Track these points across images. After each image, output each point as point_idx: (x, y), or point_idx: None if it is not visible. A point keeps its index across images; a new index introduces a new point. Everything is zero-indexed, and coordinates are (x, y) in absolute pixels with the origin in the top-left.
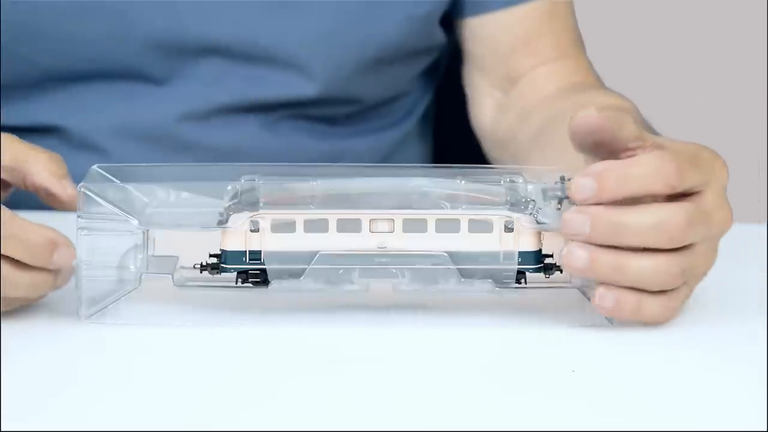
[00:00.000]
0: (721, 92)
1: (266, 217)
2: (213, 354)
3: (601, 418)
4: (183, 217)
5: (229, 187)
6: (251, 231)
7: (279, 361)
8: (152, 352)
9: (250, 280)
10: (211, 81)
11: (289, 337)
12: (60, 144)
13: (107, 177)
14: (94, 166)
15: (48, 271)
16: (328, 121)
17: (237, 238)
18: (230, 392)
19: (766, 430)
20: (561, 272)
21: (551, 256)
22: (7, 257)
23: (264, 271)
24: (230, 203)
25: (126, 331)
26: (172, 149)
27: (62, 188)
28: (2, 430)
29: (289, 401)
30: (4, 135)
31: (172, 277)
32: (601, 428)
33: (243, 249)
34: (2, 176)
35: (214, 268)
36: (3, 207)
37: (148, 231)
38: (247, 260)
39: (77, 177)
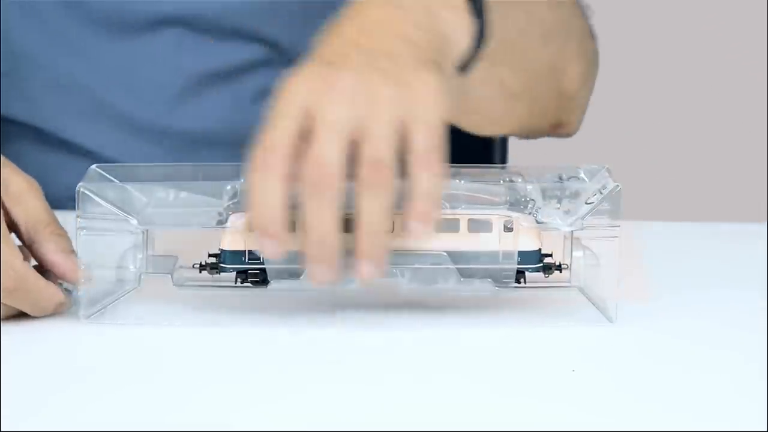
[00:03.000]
0: (721, 92)
1: None
2: (213, 354)
3: (601, 419)
4: (182, 217)
5: (228, 187)
6: (250, 231)
7: (278, 361)
8: (152, 352)
9: (249, 279)
10: (171, 54)
11: (288, 337)
12: (34, 141)
13: (106, 176)
14: (93, 166)
15: None
16: None
17: (236, 237)
18: (230, 392)
19: (766, 430)
20: (560, 271)
21: (551, 255)
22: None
23: (263, 270)
24: (229, 203)
25: (126, 331)
26: (140, 135)
27: (71, 264)
28: (2, 430)
29: (289, 401)
30: (32, 184)
31: (172, 277)
32: (601, 428)
33: (242, 249)
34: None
35: (214, 268)
36: (23, 261)
37: (147, 231)
38: (247, 260)
39: (52, 169)
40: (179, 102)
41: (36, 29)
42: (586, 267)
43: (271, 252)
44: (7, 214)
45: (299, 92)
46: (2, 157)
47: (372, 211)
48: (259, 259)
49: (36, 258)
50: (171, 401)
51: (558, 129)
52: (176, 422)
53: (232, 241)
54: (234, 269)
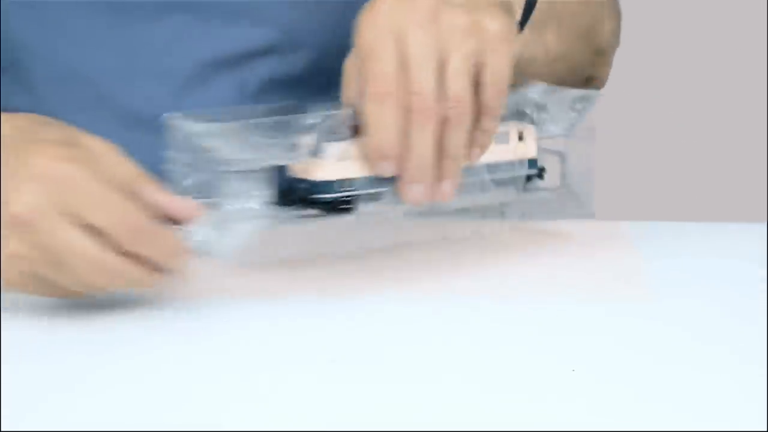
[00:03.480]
0: (721, 92)
1: (354, 146)
2: (216, 354)
3: (599, 418)
4: (280, 154)
5: (311, 120)
6: (341, 160)
7: (281, 360)
8: (150, 351)
9: (336, 207)
10: (176, 41)
11: (290, 337)
12: None
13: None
14: (170, 114)
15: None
16: (313, 88)
17: (332, 167)
18: (232, 392)
19: (766, 430)
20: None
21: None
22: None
23: (350, 200)
24: (319, 134)
25: (124, 330)
26: (144, 127)
27: (182, 202)
28: (2, 430)
29: (291, 401)
30: (111, 144)
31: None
32: (599, 428)
33: (335, 179)
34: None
35: (304, 201)
36: (138, 210)
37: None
38: (338, 189)
39: None
40: (184, 92)
41: (36, 20)
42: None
43: (389, 173)
44: (108, 173)
45: (385, 18)
46: (72, 127)
47: (455, 142)
48: (348, 187)
49: (144, 211)
50: (170, 401)
51: (589, 83)
52: (176, 422)
53: (328, 171)
54: (326, 199)
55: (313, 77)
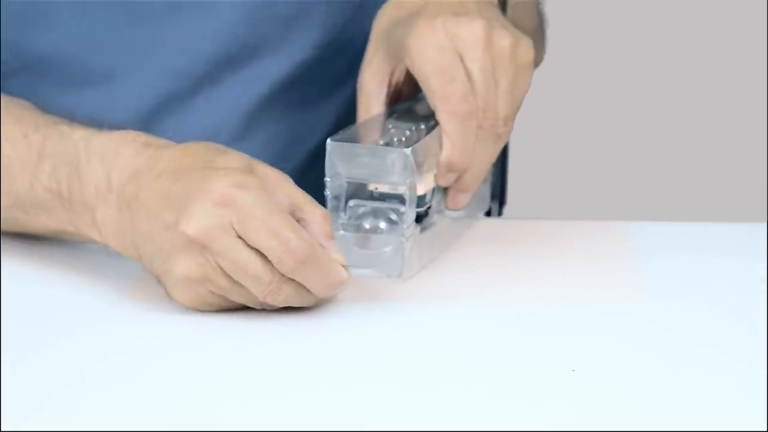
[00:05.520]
0: (721, 92)
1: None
2: (218, 353)
3: (599, 419)
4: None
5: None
6: (428, 172)
7: (284, 363)
8: (151, 351)
9: (420, 219)
10: (189, 38)
11: (290, 338)
12: None
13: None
14: (331, 140)
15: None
16: (320, 84)
17: (425, 180)
18: (234, 392)
19: (766, 430)
20: None
21: None
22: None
23: (427, 211)
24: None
25: (123, 330)
26: (155, 132)
27: (332, 250)
28: (2, 430)
29: (291, 401)
30: (283, 173)
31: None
32: (600, 428)
33: (424, 191)
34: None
35: (423, 216)
36: (306, 233)
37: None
38: (426, 201)
39: None
40: (196, 90)
41: (48, 23)
42: None
43: (450, 183)
44: (280, 200)
45: (444, 36)
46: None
47: (488, 155)
48: (427, 198)
49: (309, 242)
50: (170, 401)
51: None
52: (175, 422)
53: (424, 185)
54: (421, 212)
55: (319, 73)
